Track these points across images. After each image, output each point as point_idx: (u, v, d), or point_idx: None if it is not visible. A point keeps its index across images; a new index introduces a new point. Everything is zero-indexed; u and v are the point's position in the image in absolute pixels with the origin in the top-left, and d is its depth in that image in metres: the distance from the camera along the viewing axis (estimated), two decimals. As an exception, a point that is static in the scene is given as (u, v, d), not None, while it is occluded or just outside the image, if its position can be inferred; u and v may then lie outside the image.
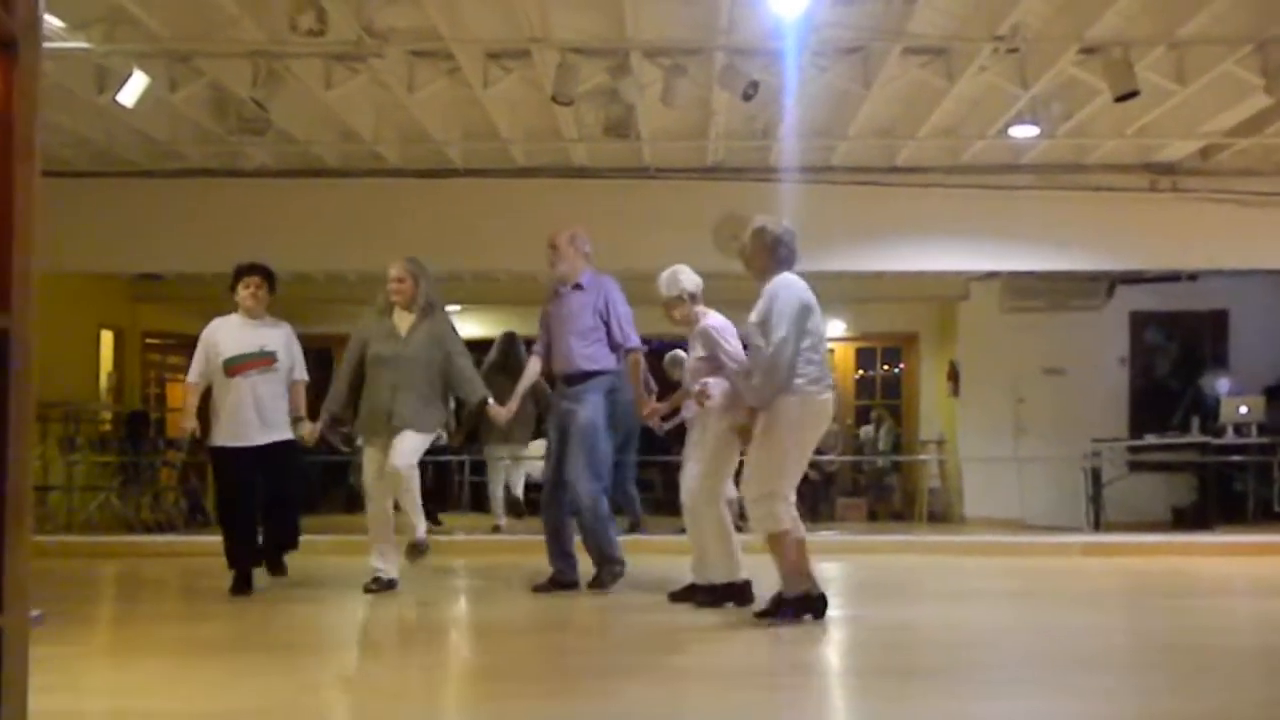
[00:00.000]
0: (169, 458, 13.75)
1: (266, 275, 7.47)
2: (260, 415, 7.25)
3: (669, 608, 6.70)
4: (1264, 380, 12.91)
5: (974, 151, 10.49)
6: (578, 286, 7.26)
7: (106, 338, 14.46)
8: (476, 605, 7.63)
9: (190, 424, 7.39)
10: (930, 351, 15.84)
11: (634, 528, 10.30)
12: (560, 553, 7.30)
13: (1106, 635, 6.19)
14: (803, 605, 5.90)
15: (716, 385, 6.48)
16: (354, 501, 14.58)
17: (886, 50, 8.13)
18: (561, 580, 7.27)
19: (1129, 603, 7.77)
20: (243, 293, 7.37)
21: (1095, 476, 12.32)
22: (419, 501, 7.39)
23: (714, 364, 6.54)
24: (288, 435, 7.41)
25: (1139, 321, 13.92)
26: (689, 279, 6.74)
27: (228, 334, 7.33)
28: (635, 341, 7.28)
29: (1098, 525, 11.98)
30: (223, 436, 7.24)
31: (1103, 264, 11.88)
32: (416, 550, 7.39)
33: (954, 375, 14.76)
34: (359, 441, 7.63)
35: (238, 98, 8.92)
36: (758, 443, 5.87)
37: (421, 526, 7.43)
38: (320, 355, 15.75)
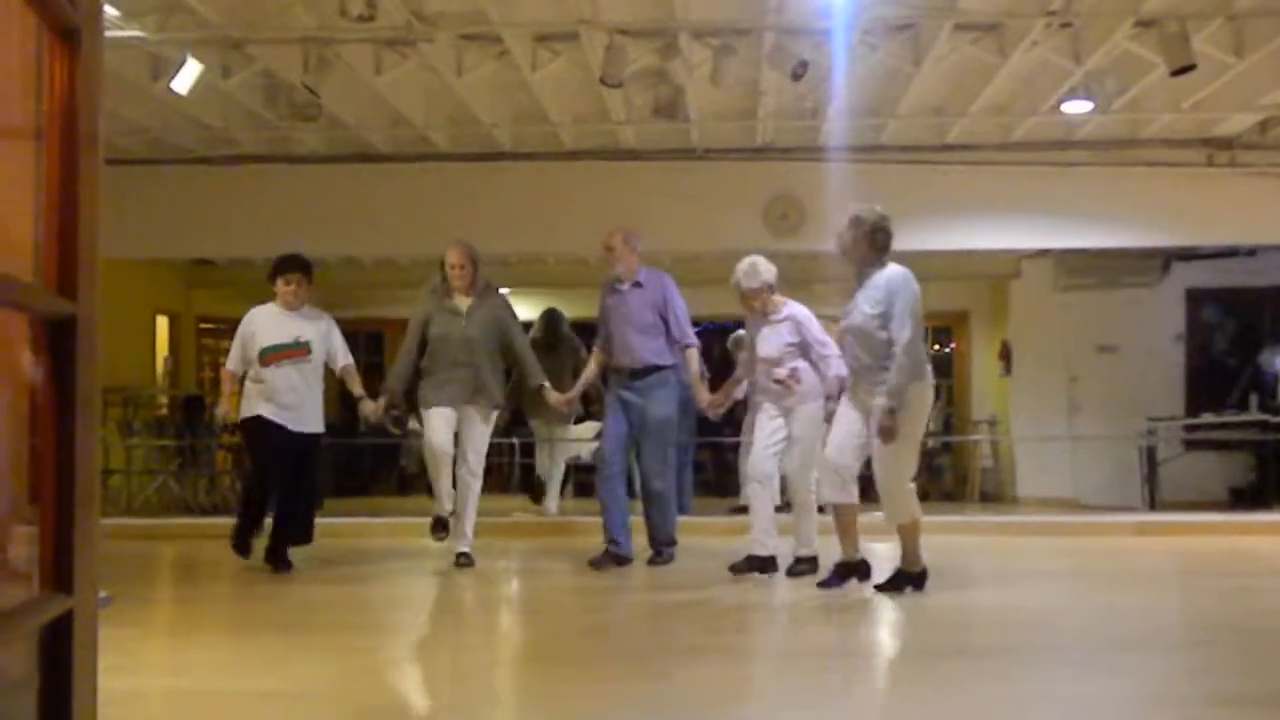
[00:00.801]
0: (224, 441, 13.92)
1: (307, 271, 7.60)
2: (295, 403, 7.41)
3: (721, 590, 6.73)
4: (1324, 357, 12.72)
5: (1027, 128, 10.37)
6: (637, 284, 7.60)
7: (162, 323, 14.66)
8: (528, 586, 7.68)
9: (225, 409, 7.60)
10: (982, 330, 15.72)
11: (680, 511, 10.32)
12: (619, 528, 7.55)
13: (1163, 616, 6.14)
14: (922, 579, 6.26)
15: (807, 372, 6.87)
16: (405, 484, 14.73)
17: (937, 27, 8.05)
18: (619, 554, 7.51)
19: (1185, 583, 7.69)
20: (283, 288, 7.52)
21: (1150, 455, 12.19)
22: (474, 514, 7.65)
23: (801, 349, 6.90)
24: (319, 429, 7.59)
25: (1195, 298, 13.70)
26: (768, 270, 7.01)
27: (266, 323, 7.49)
28: (692, 338, 7.68)
29: (1153, 505, 11.86)
30: (260, 408, 7.37)
31: (1158, 240, 11.72)
32: (466, 560, 7.58)
33: (1006, 354, 14.63)
34: (411, 424, 7.77)
35: (289, 84, 8.99)
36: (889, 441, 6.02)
37: (470, 535, 7.64)
38: (371, 339, 15.94)
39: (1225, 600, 6.58)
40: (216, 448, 13.63)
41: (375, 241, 11.67)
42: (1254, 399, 12.49)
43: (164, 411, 14.13)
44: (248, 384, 7.48)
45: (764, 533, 6.95)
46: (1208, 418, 12.60)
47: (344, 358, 7.71)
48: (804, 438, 6.90)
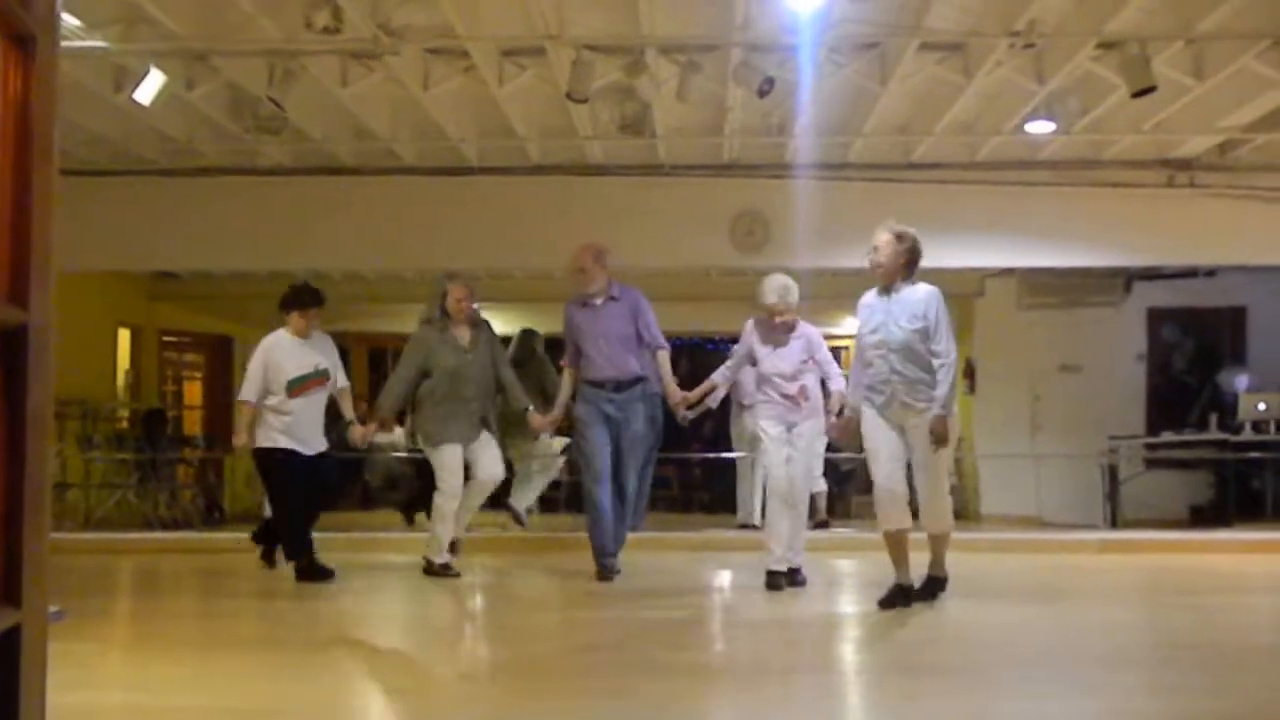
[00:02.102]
0: (185, 455, 13.81)
1: (323, 303, 7.86)
2: (311, 428, 7.65)
3: (689, 605, 6.77)
4: (1283, 377, 12.84)
5: (990, 148, 10.44)
6: (611, 298, 7.69)
7: (124, 336, 14.51)
8: (492, 602, 7.64)
9: (244, 440, 7.67)
10: (946, 348, 15.77)
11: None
12: (614, 541, 7.64)
13: (1125, 633, 6.17)
14: (944, 584, 6.56)
15: (814, 388, 7.26)
16: (369, 499, 14.64)
17: (903, 46, 8.10)
18: (614, 567, 7.61)
19: (1147, 600, 7.74)
20: (299, 323, 7.70)
21: (1112, 473, 12.27)
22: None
23: (809, 366, 7.27)
24: (325, 445, 7.82)
25: (1156, 318, 13.83)
26: (797, 290, 7.30)
27: (286, 355, 7.64)
28: (664, 342, 7.81)
29: (1115, 522, 11.93)
30: (285, 440, 7.55)
31: (1120, 260, 11.82)
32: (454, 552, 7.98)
33: (970, 372, 14.71)
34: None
35: (254, 96, 8.94)
36: (937, 449, 6.22)
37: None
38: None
39: (1188, 617, 6.62)
40: (178, 461, 13.52)
41: (340, 255, 11.63)
42: (1213, 418, 12.60)
43: (124, 425, 13.98)
44: (267, 414, 7.57)
45: (785, 548, 7.18)
46: (1168, 436, 12.70)
47: (343, 379, 7.94)
48: (808, 452, 7.28)
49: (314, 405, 7.68)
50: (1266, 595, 7.89)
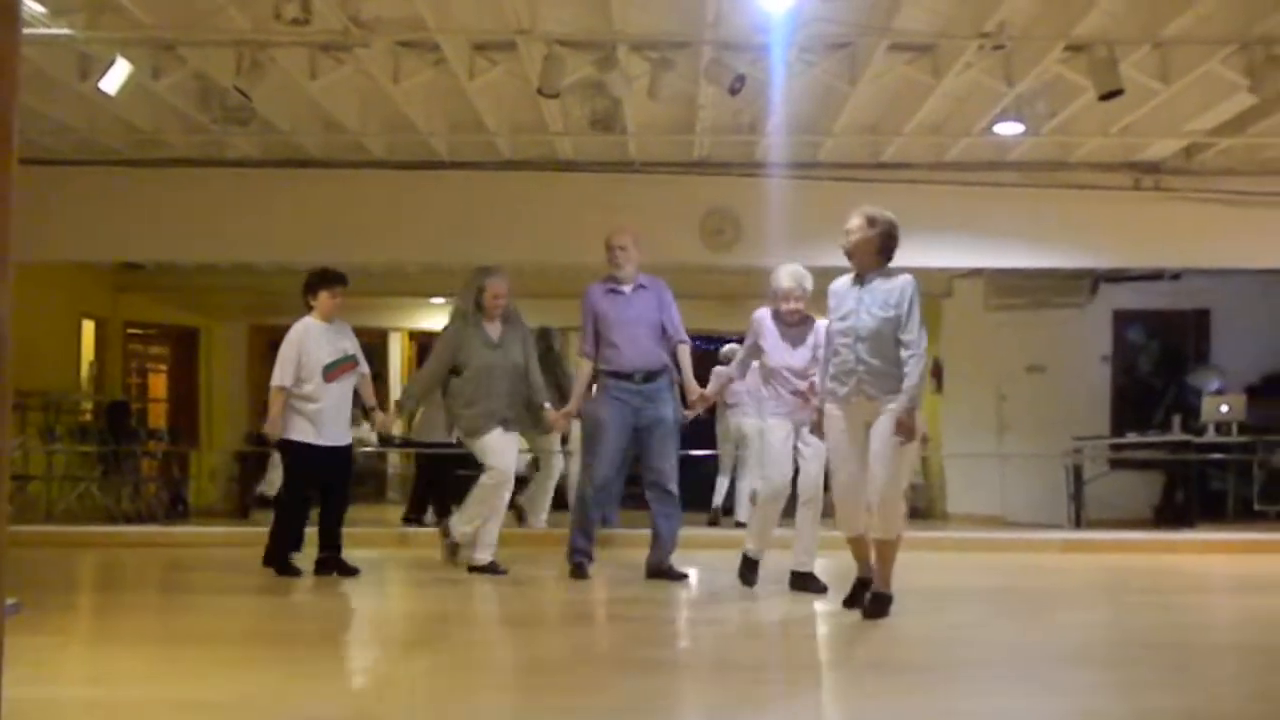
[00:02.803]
0: (150, 448, 13.70)
1: (348, 283, 7.83)
2: (338, 417, 7.61)
3: (663, 602, 6.77)
4: (1246, 379, 12.96)
5: (959, 148, 10.49)
6: (640, 286, 7.60)
7: (88, 327, 14.38)
8: (468, 599, 7.61)
9: (277, 429, 7.54)
10: (913, 348, 15.83)
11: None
12: (593, 544, 7.66)
13: (1088, 631, 6.21)
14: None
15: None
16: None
17: (873, 46, 8.12)
18: (588, 569, 7.57)
19: (1111, 599, 7.80)
20: (330, 302, 7.66)
21: (1077, 474, 12.35)
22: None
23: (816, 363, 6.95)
24: (349, 439, 7.81)
25: (1122, 320, 13.93)
26: (811, 281, 7.08)
27: (318, 340, 7.60)
28: (686, 336, 7.69)
29: (1079, 522, 12.01)
30: (310, 434, 7.50)
31: (1086, 262, 11.90)
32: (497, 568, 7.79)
33: (937, 372, 14.78)
34: (461, 437, 8.00)
35: (222, 87, 8.88)
36: (898, 445, 5.93)
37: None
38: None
39: (1152, 617, 6.68)
40: (142, 455, 13.41)
41: (308, 249, 11.49)
42: (1177, 420, 12.71)
43: (88, 417, 13.85)
44: (294, 402, 7.50)
45: (806, 552, 7.03)
46: (1132, 437, 12.80)
47: (364, 366, 7.89)
48: (820, 451, 6.83)
49: (345, 391, 7.64)
50: (1228, 595, 7.97)
